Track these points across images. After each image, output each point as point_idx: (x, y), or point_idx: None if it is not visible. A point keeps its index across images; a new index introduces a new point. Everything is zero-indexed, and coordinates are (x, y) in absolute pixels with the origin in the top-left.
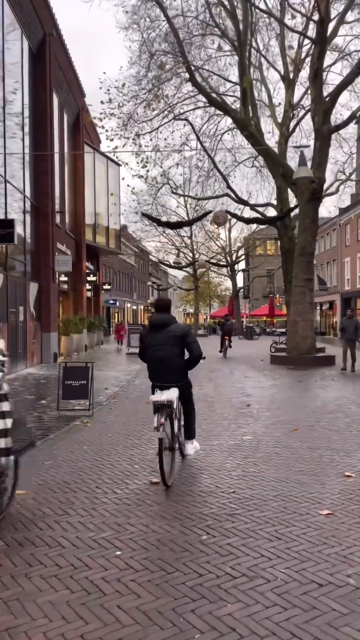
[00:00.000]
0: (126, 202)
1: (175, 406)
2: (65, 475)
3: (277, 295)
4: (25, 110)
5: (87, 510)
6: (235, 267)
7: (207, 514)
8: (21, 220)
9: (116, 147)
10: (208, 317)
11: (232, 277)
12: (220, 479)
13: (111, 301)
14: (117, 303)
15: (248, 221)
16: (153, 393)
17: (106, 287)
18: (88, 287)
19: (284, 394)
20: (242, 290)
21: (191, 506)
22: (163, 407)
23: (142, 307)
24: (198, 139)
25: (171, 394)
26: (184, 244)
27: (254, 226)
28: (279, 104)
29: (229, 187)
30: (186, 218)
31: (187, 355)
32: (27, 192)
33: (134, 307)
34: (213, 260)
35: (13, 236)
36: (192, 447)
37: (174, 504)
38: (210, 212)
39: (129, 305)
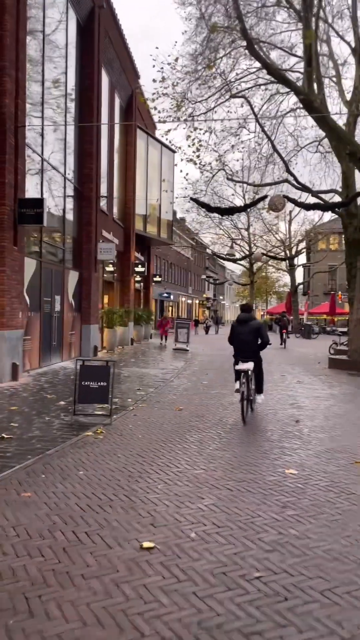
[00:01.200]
0: (181, 192)
1: (250, 372)
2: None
3: (339, 292)
4: (71, 89)
5: None
6: (295, 261)
7: None
8: (60, 203)
9: (169, 131)
10: (265, 313)
11: (291, 272)
12: (244, 551)
13: (165, 294)
14: (172, 296)
15: (308, 207)
16: (236, 364)
17: (156, 279)
18: (137, 278)
19: (342, 408)
20: (302, 286)
21: None
22: (244, 372)
23: (197, 301)
24: (257, 119)
25: (249, 365)
26: (240, 237)
27: (316, 219)
28: (349, 82)
29: (288, 171)
30: (243, 201)
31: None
32: (69, 175)
33: (189, 302)
34: (271, 254)
35: (42, 217)
36: (260, 398)
37: None
38: (265, 196)
39: (183, 299)
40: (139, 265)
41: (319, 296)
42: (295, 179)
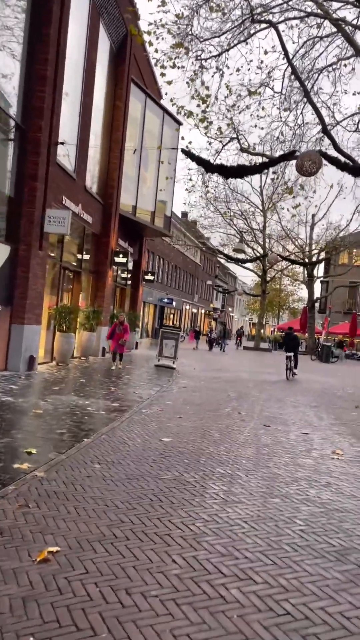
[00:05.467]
0: (183, 173)
1: (291, 357)
2: None
3: None
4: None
5: None
6: (314, 272)
7: None
8: None
9: (170, 82)
10: (275, 329)
11: (310, 284)
12: None
13: (166, 300)
14: (174, 303)
15: (355, 172)
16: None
17: (149, 277)
18: (124, 276)
19: None
20: (319, 301)
21: None
22: (290, 357)
23: (203, 311)
24: (286, 55)
25: (291, 354)
26: (254, 238)
27: (342, 226)
28: None
29: (326, 132)
30: (260, 198)
31: None
32: (10, 107)
33: (194, 310)
34: (289, 257)
35: None
36: (296, 371)
37: None
38: (294, 152)
39: (187, 307)
40: (121, 255)
41: (337, 315)
42: (335, 144)
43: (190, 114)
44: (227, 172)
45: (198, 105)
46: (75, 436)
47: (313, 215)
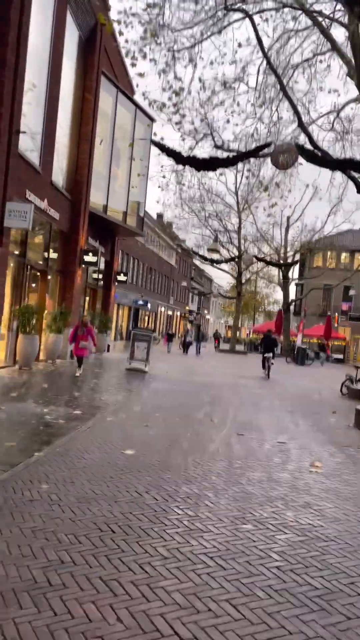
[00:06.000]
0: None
1: (270, 357)
2: None
3: (336, 314)
4: None
5: None
6: (289, 274)
7: None
8: None
9: (142, 74)
10: (251, 332)
11: (285, 286)
12: None
13: (141, 302)
14: (149, 305)
15: (332, 165)
16: (263, 356)
17: (121, 278)
18: (95, 276)
19: None
20: (294, 304)
21: None
22: (268, 358)
23: (178, 313)
24: (261, 46)
25: (270, 354)
26: (229, 239)
27: (316, 228)
28: None
29: (301, 125)
30: (235, 198)
31: None
32: None
33: (169, 313)
34: (264, 258)
35: None
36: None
37: None
38: (270, 143)
39: (163, 309)
40: (90, 254)
41: (311, 317)
42: (311, 139)
43: (163, 105)
44: (199, 164)
45: (170, 99)
46: (25, 450)
47: (288, 218)
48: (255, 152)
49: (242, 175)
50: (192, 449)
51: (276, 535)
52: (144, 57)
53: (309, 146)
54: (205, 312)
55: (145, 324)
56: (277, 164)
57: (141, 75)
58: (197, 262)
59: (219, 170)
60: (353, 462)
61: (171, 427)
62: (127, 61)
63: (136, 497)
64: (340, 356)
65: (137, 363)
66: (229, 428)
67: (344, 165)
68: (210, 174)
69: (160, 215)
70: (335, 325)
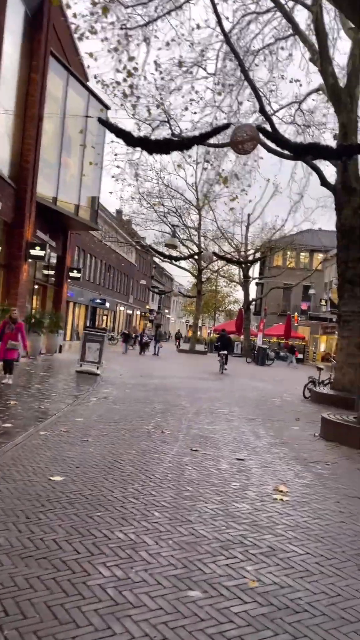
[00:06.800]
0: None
1: (226, 354)
2: None
3: (295, 314)
4: None
5: None
6: (250, 272)
7: None
8: None
9: (91, 55)
10: (212, 331)
11: (245, 285)
12: None
13: (98, 300)
14: (107, 304)
15: (296, 150)
16: (219, 354)
17: (74, 274)
18: (46, 272)
19: None
20: (254, 303)
21: None
22: (224, 355)
23: (138, 312)
24: (221, 26)
25: (225, 352)
26: (188, 237)
27: (277, 226)
28: None
29: (262, 111)
30: (195, 195)
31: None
32: None
33: (129, 312)
34: (224, 256)
35: None
36: (227, 367)
37: None
38: (229, 124)
39: (122, 308)
40: (37, 247)
41: (271, 317)
42: (272, 125)
43: (117, 84)
44: (152, 146)
45: (125, 79)
46: None
47: (249, 215)
48: (213, 133)
49: (202, 168)
50: (135, 472)
51: (231, 608)
52: (94, 32)
53: (269, 131)
54: (166, 311)
55: (105, 324)
56: (237, 147)
57: (91, 55)
58: (157, 259)
59: (178, 162)
60: (322, 483)
61: (115, 442)
62: (76, 36)
63: (52, 551)
64: (300, 356)
65: (88, 365)
66: (182, 442)
67: (307, 151)
68: (170, 168)
69: (119, 212)
70: (295, 324)
